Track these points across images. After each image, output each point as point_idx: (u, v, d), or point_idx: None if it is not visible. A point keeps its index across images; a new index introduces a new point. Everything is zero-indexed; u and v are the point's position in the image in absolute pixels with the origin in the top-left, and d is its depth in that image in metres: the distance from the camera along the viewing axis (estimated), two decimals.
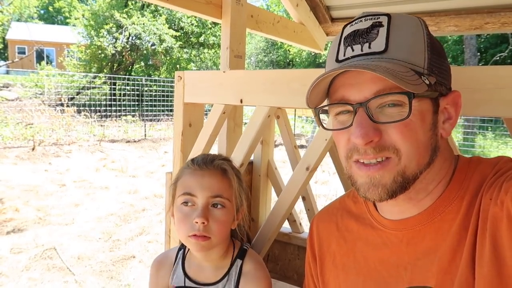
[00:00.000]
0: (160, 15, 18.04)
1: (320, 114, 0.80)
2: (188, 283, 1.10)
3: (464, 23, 2.15)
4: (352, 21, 0.74)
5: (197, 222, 0.99)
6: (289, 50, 27.25)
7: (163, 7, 18.27)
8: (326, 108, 0.79)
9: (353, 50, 0.71)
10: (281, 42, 28.12)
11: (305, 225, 1.91)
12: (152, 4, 18.56)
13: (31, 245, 4.20)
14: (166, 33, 17.57)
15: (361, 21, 0.72)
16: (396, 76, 0.63)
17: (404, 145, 0.67)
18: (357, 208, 0.90)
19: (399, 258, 0.76)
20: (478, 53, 16.05)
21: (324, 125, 0.81)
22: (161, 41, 17.62)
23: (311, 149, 1.25)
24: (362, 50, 0.70)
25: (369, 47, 0.69)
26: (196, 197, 1.01)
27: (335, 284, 0.88)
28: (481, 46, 18.61)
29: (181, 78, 1.51)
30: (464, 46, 14.58)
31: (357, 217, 0.88)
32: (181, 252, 1.16)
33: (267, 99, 1.30)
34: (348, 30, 0.74)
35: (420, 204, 0.75)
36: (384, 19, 0.70)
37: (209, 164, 1.06)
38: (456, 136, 12.60)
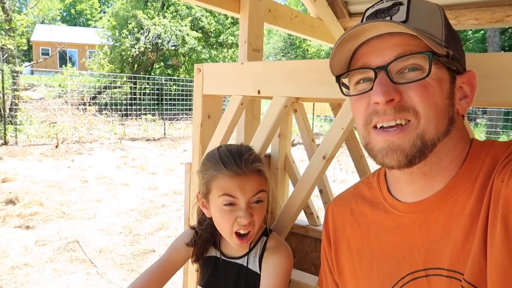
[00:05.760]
0: (182, 19, 18.26)
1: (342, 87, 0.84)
2: (217, 254, 1.21)
3: (484, 16, 2.12)
4: (374, 4, 0.79)
5: (243, 222, 1.06)
6: (307, 50, 27.14)
7: (182, 9, 18.47)
8: (347, 82, 0.81)
9: None
10: (299, 42, 28.03)
11: (323, 218, 1.92)
12: (171, 4, 18.81)
13: (55, 238, 4.33)
14: (188, 34, 17.78)
15: (382, 2, 0.77)
16: (419, 33, 0.67)
17: (423, 107, 0.69)
18: (371, 194, 0.90)
19: (412, 240, 0.77)
20: (502, 51, 15.64)
21: (346, 93, 0.83)
22: (184, 42, 17.84)
23: (328, 138, 1.27)
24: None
25: (391, 19, 0.73)
26: (237, 199, 1.07)
27: (350, 268, 0.89)
28: (505, 44, 18.13)
29: (200, 70, 1.55)
30: (487, 44, 14.25)
31: (371, 203, 0.89)
32: (212, 234, 1.24)
33: (285, 90, 1.32)
34: (370, 11, 0.78)
35: (434, 183, 0.76)
36: (404, 0, 0.74)
37: (245, 167, 1.07)
38: (479, 136, 12.32)
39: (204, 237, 1.22)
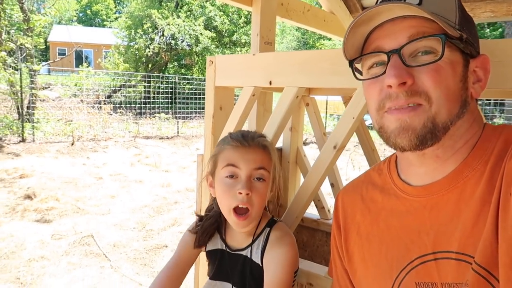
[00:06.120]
0: (196, 18, 18.38)
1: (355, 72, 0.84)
2: (223, 246, 1.20)
3: (500, 8, 2.08)
4: None
5: (241, 193, 1.06)
6: (321, 49, 27.00)
7: (196, 9, 18.59)
8: (360, 67, 0.82)
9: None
10: (313, 41, 27.91)
11: None
12: (185, 4, 18.91)
13: (70, 232, 4.41)
14: (201, 34, 17.89)
15: None
16: (433, 15, 0.67)
17: (435, 91, 0.69)
18: (381, 180, 0.90)
19: (421, 224, 0.76)
20: None
21: (359, 78, 0.83)
22: (198, 41, 17.97)
23: (338, 127, 1.27)
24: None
25: (404, 1, 0.72)
26: (239, 169, 1.08)
27: (359, 253, 0.89)
28: None
29: (212, 62, 1.56)
30: None
31: (382, 188, 0.89)
32: (217, 221, 1.24)
33: (296, 80, 1.32)
34: None
35: (446, 165, 0.75)
36: None
37: (250, 140, 1.12)
38: None
39: (208, 222, 1.23)
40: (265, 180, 1.11)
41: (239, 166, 1.08)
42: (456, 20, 0.72)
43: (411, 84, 0.70)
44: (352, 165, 7.72)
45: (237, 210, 1.08)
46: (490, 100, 12.79)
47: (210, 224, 1.22)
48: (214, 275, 1.21)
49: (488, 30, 18.09)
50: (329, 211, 2.04)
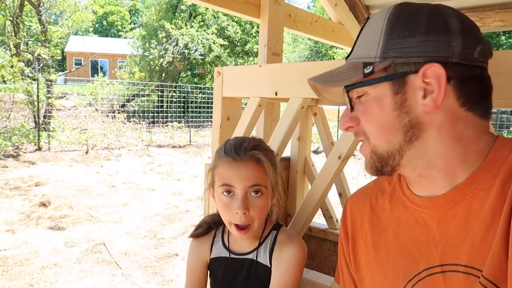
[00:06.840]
0: (208, 27, 18.62)
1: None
2: (226, 254, 1.20)
3: (510, 17, 2.07)
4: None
5: (238, 213, 1.06)
6: (333, 58, 26.99)
7: (210, 18, 18.82)
8: None
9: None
10: (325, 50, 27.92)
11: None
12: (199, 14, 19.18)
13: (83, 240, 4.47)
14: (214, 42, 18.10)
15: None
16: (325, 79, 0.83)
17: (368, 129, 0.78)
18: (391, 188, 0.90)
19: (430, 236, 0.76)
20: None
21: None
22: (210, 50, 18.18)
23: (343, 138, 1.27)
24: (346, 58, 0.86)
25: (347, 58, 0.84)
26: (234, 188, 1.08)
27: (366, 262, 0.89)
28: None
29: (220, 73, 1.59)
30: None
31: (391, 197, 0.88)
32: (220, 227, 1.25)
33: (302, 90, 1.33)
34: None
35: (437, 182, 0.75)
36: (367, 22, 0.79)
37: (243, 154, 1.09)
38: None
39: (206, 219, 1.27)
40: (263, 193, 1.10)
41: (233, 185, 1.08)
42: (378, 52, 0.71)
43: (357, 126, 0.80)
44: (364, 174, 7.65)
45: (237, 225, 1.10)
46: (506, 108, 12.55)
47: (207, 221, 1.27)
48: (220, 284, 1.21)
49: (503, 37, 17.87)
50: (337, 221, 2.03)
